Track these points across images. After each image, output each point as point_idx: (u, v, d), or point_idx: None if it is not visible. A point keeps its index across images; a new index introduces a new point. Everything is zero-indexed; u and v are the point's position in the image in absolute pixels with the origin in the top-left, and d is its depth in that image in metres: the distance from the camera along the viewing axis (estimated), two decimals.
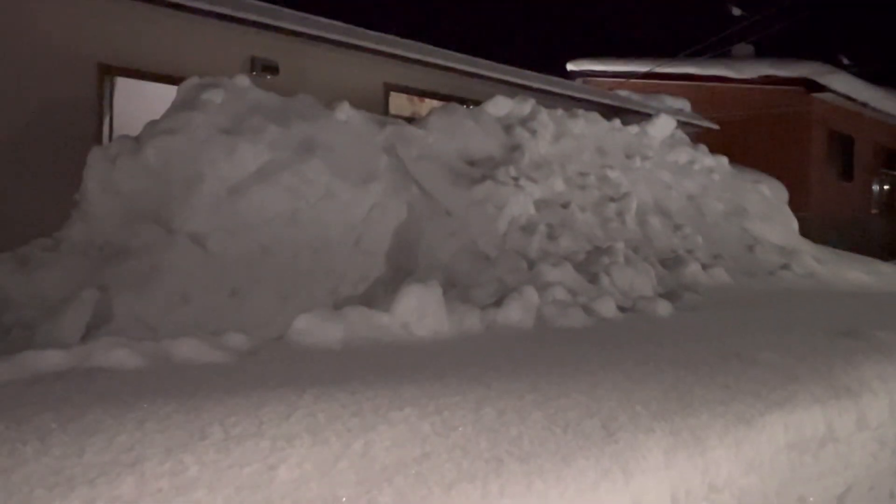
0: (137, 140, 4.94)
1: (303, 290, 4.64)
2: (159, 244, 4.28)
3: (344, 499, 1.53)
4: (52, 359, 2.45)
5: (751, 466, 2.22)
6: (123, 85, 7.46)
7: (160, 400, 2.03)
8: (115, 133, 7.00)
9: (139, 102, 7.30)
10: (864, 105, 15.94)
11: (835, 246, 9.57)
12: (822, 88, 14.76)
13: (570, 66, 18.49)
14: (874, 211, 17.24)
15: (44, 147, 6.56)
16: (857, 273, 7.52)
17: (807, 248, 8.16)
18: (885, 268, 8.35)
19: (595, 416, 2.14)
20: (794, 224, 8.85)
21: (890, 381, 3.03)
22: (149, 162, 4.72)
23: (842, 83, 15.20)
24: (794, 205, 9.36)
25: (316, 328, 3.12)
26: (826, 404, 2.62)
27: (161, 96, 6.33)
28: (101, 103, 7.03)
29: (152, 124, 5.07)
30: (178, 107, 5.21)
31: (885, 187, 17.83)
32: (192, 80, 5.50)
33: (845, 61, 17.78)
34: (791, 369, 2.88)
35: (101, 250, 4.49)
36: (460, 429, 1.96)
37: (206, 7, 7.38)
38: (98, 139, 6.84)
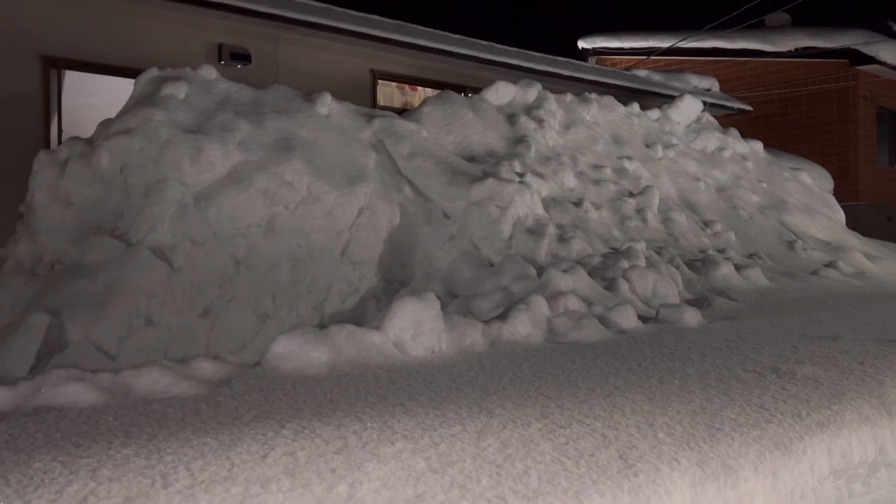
0: (90, 142, 4.96)
1: (283, 308, 4.65)
2: (117, 260, 4.28)
3: None
4: None
5: (791, 498, 2.20)
6: (72, 79, 7.48)
7: (118, 442, 2.03)
8: (65, 135, 7.01)
9: (91, 98, 7.32)
10: None
11: (888, 240, 9.57)
12: (868, 60, 14.78)
13: (581, 44, 18.53)
14: None
15: None
16: None
17: (855, 243, 8.14)
18: None
19: (612, 446, 2.12)
20: (841, 216, 8.85)
21: None
22: (103, 167, 4.73)
23: (891, 53, 15.19)
24: (840, 194, 9.38)
25: (298, 351, 3.11)
26: (877, 424, 2.60)
27: (115, 91, 6.35)
28: (48, 101, 7.04)
29: (106, 124, 5.09)
30: (135, 103, 5.22)
31: None
32: (151, 72, 5.50)
33: (895, 28, 17.74)
34: (836, 385, 2.87)
35: (51, 268, 4.50)
36: (459, 464, 1.95)
37: None
38: (45, 142, 6.85)
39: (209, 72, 5.69)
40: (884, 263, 7.53)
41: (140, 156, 4.75)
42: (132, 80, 5.72)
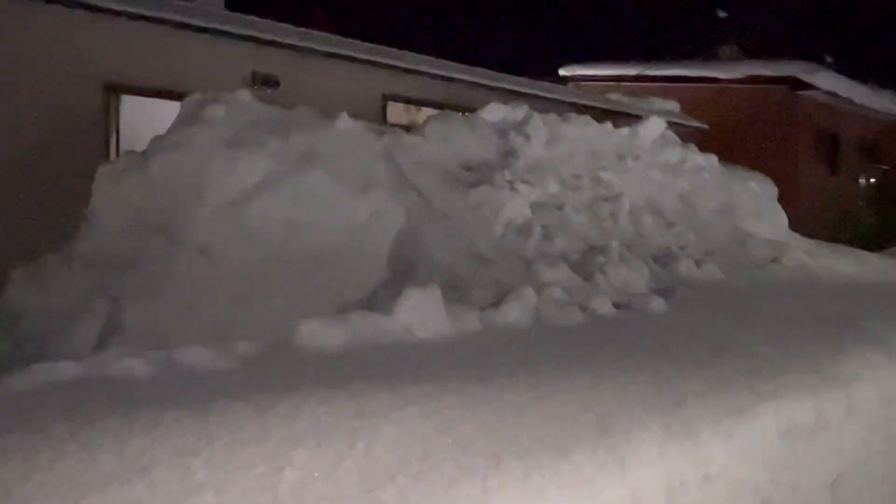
0: (143, 155, 4.95)
1: (307, 296, 4.63)
2: (166, 255, 4.28)
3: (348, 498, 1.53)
4: (64, 369, 2.45)
5: (744, 456, 2.21)
6: (129, 102, 7.48)
7: (169, 406, 2.03)
8: (122, 148, 7.02)
9: (144, 118, 7.31)
10: (849, 101, 15.95)
11: (824, 240, 9.56)
12: (807, 86, 14.77)
13: (562, 72, 18.47)
14: (861, 204, 17.22)
15: (55, 163, 6.58)
16: (845, 265, 7.52)
17: (796, 241, 8.15)
18: (872, 259, 8.35)
19: (591, 412, 2.13)
20: (784, 219, 8.83)
21: (878, 368, 3.03)
22: (154, 176, 4.73)
23: (826, 81, 15.21)
24: (784, 200, 9.33)
25: (320, 332, 3.12)
26: (816, 393, 2.61)
27: (165, 112, 6.34)
28: (108, 120, 7.05)
29: (157, 139, 5.08)
30: (181, 122, 5.22)
31: (871, 181, 17.80)
32: (195, 96, 5.50)
33: (829, 59, 17.77)
34: (782, 361, 2.88)
35: (110, 262, 4.49)
36: (460, 427, 1.96)
37: (207, 25, 7.40)
38: (106, 155, 6.86)
39: (244, 95, 5.68)
40: (820, 259, 7.53)
41: (185, 166, 4.74)
42: (179, 103, 5.72)
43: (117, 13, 6.84)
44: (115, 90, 7.10)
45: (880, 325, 3.68)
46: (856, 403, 2.77)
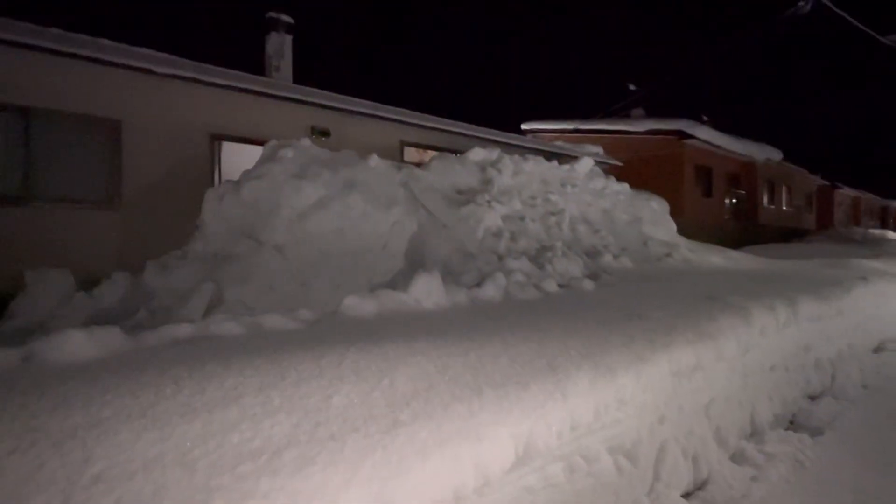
0: (237, 183, 4.93)
1: (349, 280, 4.64)
2: (253, 252, 4.28)
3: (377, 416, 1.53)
4: (183, 330, 2.45)
5: (647, 387, 2.22)
6: (227, 147, 7.45)
7: (255, 355, 2.03)
8: (223, 178, 6.98)
9: (237, 158, 7.29)
10: (718, 147, 15.98)
11: (701, 241, 9.57)
12: (690, 136, 14.78)
13: (523, 126, 18.43)
14: (726, 217, 17.27)
15: (178, 189, 6.55)
16: (716, 258, 7.53)
17: (682, 242, 8.16)
18: (734, 254, 8.36)
19: (543, 358, 2.14)
20: (674, 227, 8.83)
21: (737, 328, 3.04)
22: (244, 197, 4.72)
23: (703, 133, 15.24)
24: (673, 214, 9.33)
25: (358, 305, 3.12)
26: (696, 345, 2.63)
27: (252, 153, 6.32)
28: (213, 159, 7.02)
29: (246, 172, 5.07)
30: (263, 160, 5.21)
31: (733, 201, 17.87)
32: (272, 142, 5.50)
33: (705, 118, 17.82)
34: (672, 323, 2.90)
35: (215, 257, 4.48)
36: (453, 368, 1.96)
37: (282, 94, 7.37)
38: (211, 183, 6.82)
39: (305, 142, 5.67)
40: (699, 254, 7.55)
41: (266, 191, 4.73)
42: (261, 147, 5.69)
43: (219, 86, 6.81)
44: (217, 138, 7.07)
45: (739, 298, 3.69)
46: (722, 352, 2.78)
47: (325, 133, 8.09)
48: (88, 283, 4.38)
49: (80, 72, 5.94)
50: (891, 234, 20.66)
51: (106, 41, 6.76)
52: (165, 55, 7.22)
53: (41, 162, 5.79)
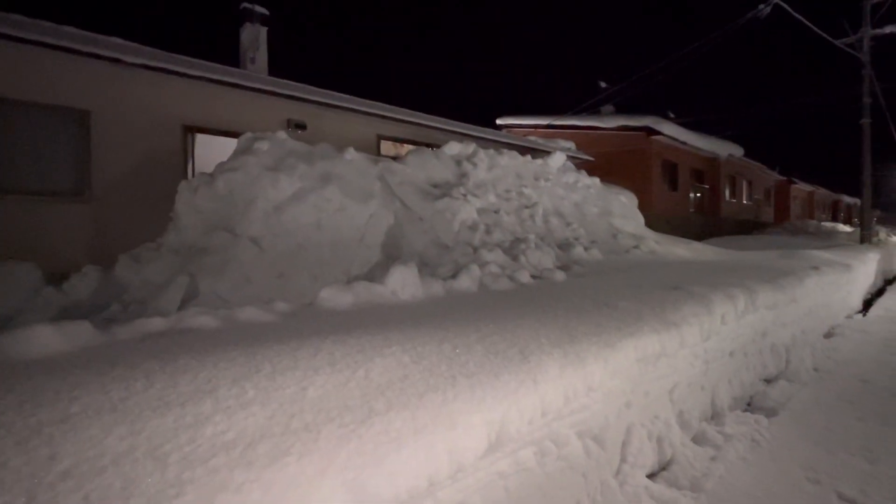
0: (211, 175, 4.80)
1: (325, 272, 4.58)
2: (228, 244, 4.18)
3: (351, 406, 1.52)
4: (156, 324, 2.38)
5: (614, 374, 2.26)
6: (201, 139, 7.24)
7: (230, 348, 1.99)
8: (196, 171, 6.79)
9: (211, 150, 7.09)
10: (684, 143, 16.32)
11: (667, 232, 9.79)
12: (657, 133, 15.05)
13: (498, 121, 18.46)
14: (691, 210, 17.70)
15: (150, 181, 6.34)
16: (681, 250, 7.71)
17: (650, 235, 8.32)
18: (698, 246, 8.58)
19: (515, 347, 2.15)
20: (642, 220, 9.00)
21: (700, 316, 3.11)
22: (219, 189, 4.60)
23: (669, 129, 15.54)
24: (641, 207, 9.51)
25: (334, 297, 3.09)
26: (660, 333, 2.68)
27: (226, 146, 6.16)
28: (186, 151, 6.81)
29: (221, 164, 4.93)
30: (238, 152, 5.07)
31: (697, 195, 18.32)
32: (248, 135, 5.35)
33: (671, 115, 18.18)
34: (639, 312, 2.94)
35: (189, 249, 4.36)
36: (428, 358, 1.96)
37: (257, 86, 7.18)
38: (184, 175, 6.62)
39: (282, 135, 5.54)
40: (665, 246, 7.72)
41: (241, 183, 4.62)
42: (235, 139, 5.54)
43: (191, 76, 6.59)
44: (191, 130, 6.85)
45: (701, 288, 3.78)
46: (685, 339, 2.85)
47: (301, 126, 7.94)
48: (58, 277, 4.22)
49: (45, 61, 5.67)
50: (841, 227, 21.58)
51: (72, 29, 6.46)
52: (135, 45, 6.95)
53: (6, 153, 5.52)
